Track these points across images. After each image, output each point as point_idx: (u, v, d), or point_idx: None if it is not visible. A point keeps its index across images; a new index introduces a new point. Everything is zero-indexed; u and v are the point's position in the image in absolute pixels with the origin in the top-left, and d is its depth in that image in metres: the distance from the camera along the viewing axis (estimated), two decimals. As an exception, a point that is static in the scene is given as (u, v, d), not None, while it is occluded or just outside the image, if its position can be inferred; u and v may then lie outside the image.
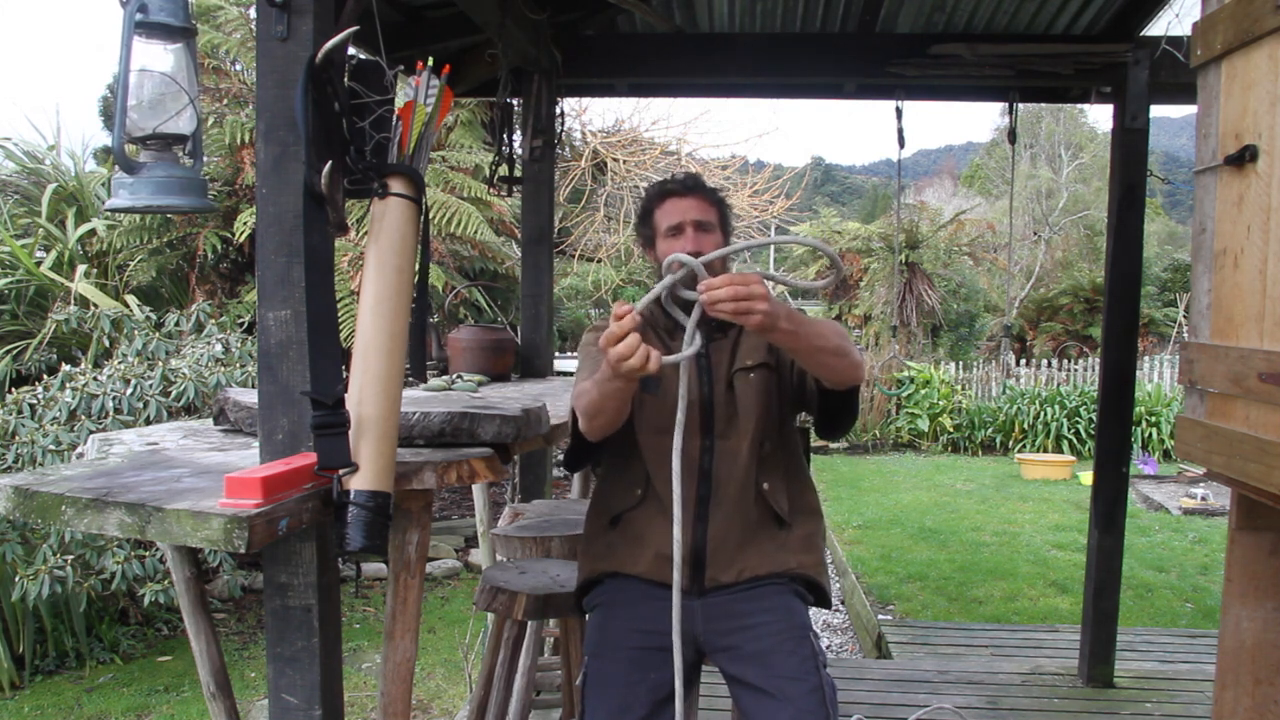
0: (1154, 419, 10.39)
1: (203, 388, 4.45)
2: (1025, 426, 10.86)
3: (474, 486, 3.76)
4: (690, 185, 1.91)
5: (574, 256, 10.89)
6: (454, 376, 2.76)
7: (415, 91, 1.55)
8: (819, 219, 18.77)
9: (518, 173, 3.45)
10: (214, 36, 6.84)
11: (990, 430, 11.06)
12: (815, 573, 1.89)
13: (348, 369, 1.47)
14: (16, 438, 4.19)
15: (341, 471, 1.38)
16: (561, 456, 2.01)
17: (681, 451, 1.78)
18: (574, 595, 2.02)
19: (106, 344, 5.20)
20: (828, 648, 4.91)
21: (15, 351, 5.81)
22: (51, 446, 4.06)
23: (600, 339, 1.51)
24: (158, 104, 1.53)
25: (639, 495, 1.86)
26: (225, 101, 7.13)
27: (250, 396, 1.95)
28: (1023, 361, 13.51)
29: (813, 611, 1.92)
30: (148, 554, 3.94)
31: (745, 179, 11.33)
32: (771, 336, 1.55)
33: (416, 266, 1.55)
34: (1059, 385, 11.56)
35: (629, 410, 1.74)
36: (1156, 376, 11.81)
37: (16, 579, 3.79)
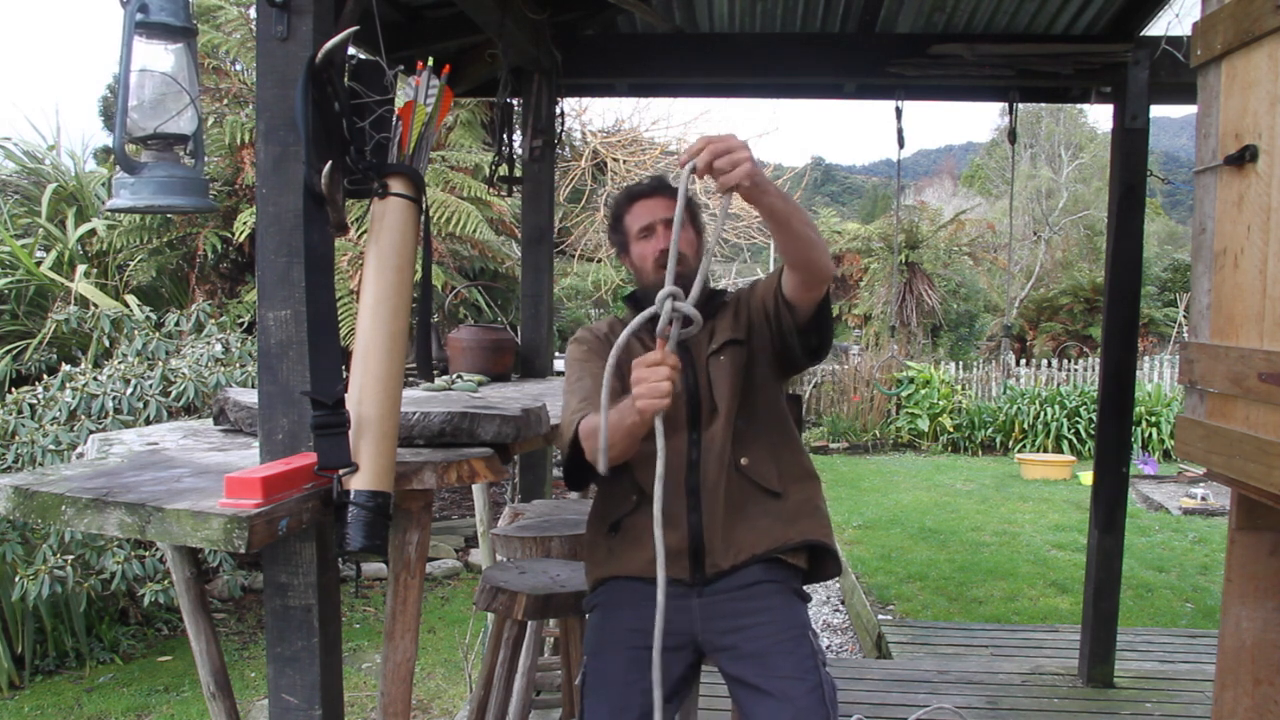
0: (1154, 419, 10.39)
1: (203, 388, 4.45)
2: (1025, 426, 10.86)
3: (474, 486, 3.76)
4: (656, 186, 1.93)
5: (574, 256, 10.90)
6: (454, 376, 2.76)
7: (415, 91, 1.55)
8: (819, 219, 18.78)
9: (518, 173, 3.45)
10: (214, 36, 6.84)
11: (990, 430, 11.06)
12: (820, 536, 1.87)
13: (348, 369, 1.47)
14: (16, 438, 4.18)
15: (341, 471, 1.38)
16: (560, 457, 2.00)
17: (669, 449, 1.80)
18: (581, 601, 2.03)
19: (106, 344, 5.19)
20: (828, 648, 4.91)
21: (15, 351, 5.81)
22: (51, 446, 4.06)
23: (641, 381, 1.48)
24: (159, 104, 1.53)
25: (634, 501, 1.88)
26: (225, 101, 7.13)
27: (250, 396, 1.95)
28: (1023, 361, 13.51)
29: (813, 605, 1.92)
30: (148, 554, 3.94)
31: (745, 179, 11.31)
32: (760, 198, 1.50)
33: (418, 266, 1.55)
34: (1059, 385, 11.56)
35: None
36: (1156, 376, 11.81)
37: (16, 579, 3.79)
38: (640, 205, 1.92)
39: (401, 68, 1.71)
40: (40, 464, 4.00)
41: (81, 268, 6.27)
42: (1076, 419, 10.65)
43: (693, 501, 1.82)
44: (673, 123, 14.51)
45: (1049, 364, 12.41)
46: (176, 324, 5.10)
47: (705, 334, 1.90)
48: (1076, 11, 3.33)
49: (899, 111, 3.62)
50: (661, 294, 1.43)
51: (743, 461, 1.84)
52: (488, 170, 6.86)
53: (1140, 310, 3.70)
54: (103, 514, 1.31)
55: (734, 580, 1.81)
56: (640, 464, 1.86)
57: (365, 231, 1.77)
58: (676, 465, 1.82)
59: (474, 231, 6.83)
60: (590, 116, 10.50)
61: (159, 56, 1.53)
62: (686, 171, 1.44)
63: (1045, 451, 10.39)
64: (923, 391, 11.36)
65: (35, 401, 4.36)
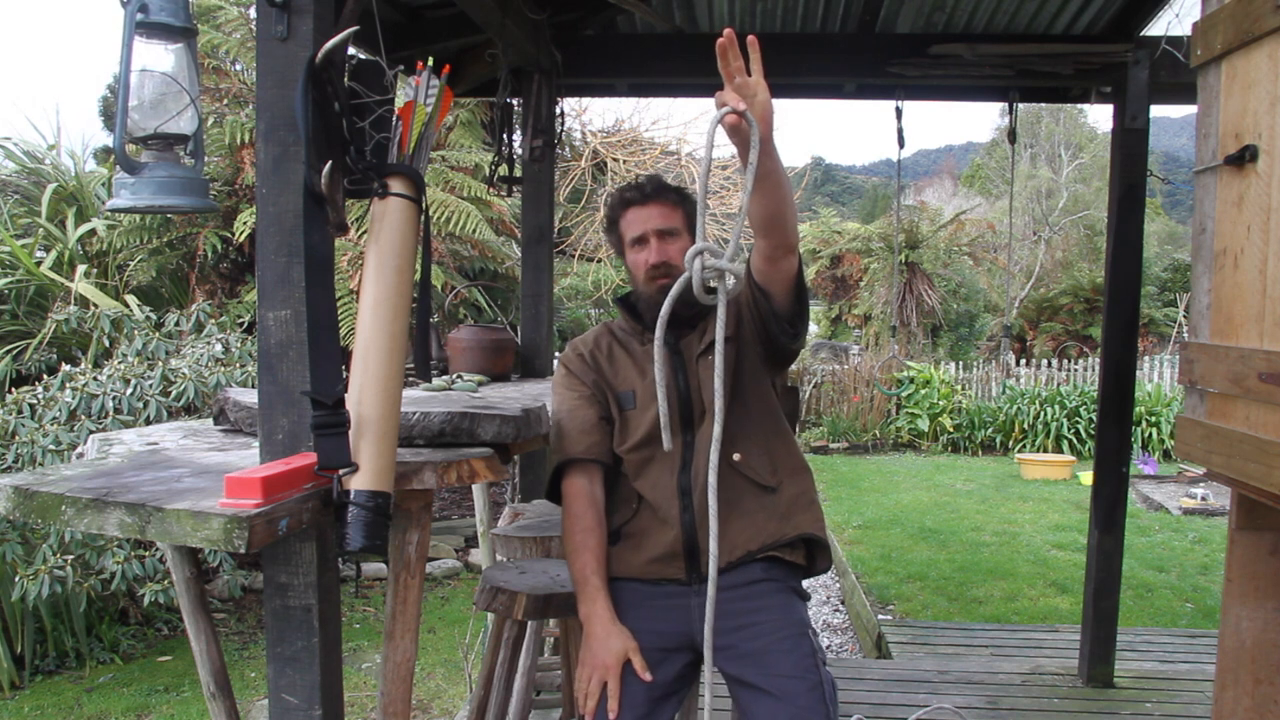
0: (1154, 419, 10.39)
1: (203, 388, 4.45)
2: (1025, 426, 10.86)
3: (474, 486, 3.76)
4: (649, 192, 1.89)
5: (574, 256, 10.90)
6: (454, 376, 2.76)
7: (415, 91, 1.55)
8: (819, 219, 18.79)
9: (518, 173, 3.45)
10: (214, 36, 6.84)
11: (990, 430, 11.05)
12: (816, 529, 1.87)
13: (348, 369, 1.47)
14: (16, 438, 4.18)
15: (341, 471, 1.38)
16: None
17: (660, 453, 1.81)
18: None
19: (106, 344, 5.19)
20: (828, 648, 4.91)
21: (15, 351, 5.81)
22: (51, 446, 4.06)
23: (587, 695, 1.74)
24: (159, 104, 1.53)
25: (634, 508, 1.88)
26: (225, 101, 7.13)
27: (250, 396, 1.95)
28: (1023, 361, 13.50)
29: (813, 605, 1.93)
30: (148, 554, 3.94)
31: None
32: (766, 145, 1.49)
33: (418, 266, 1.55)
34: (1059, 385, 11.55)
35: None
36: (1156, 376, 11.81)
37: (16, 579, 3.79)
38: (633, 213, 1.89)
39: (401, 68, 1.71)
40: (40, 464, 4.00)
41: (81, 268, 6.27)
42: (1076, 419, 10.65)
43: (685, 501, 1.83)
44: (673, 123, 14.57)
45: (1049, 364, 12.41)
46: (176, 324, 5.10)
47: (697, 334, 1.91)
48: (1076, 11, 3.33)
49: (899, 111, 3.63)
50: (690, 252, 1.36)
51: (735, 457, 1.84)
52: (488, 170, 6.86)
53: (1140, 310, 3.70)
54: (103, 514, 1.31)
55: (733, 579, 1.81)
56: (634, 470, 1.87)
57: (365, 231, 1.77)
58: (669, 468, 1.83)
59: (474, 231, 6.83)
60: (590, 116, 10.52)
61: (159, 57, 1.53)
62: (714, 119, 1.43)
63: (1045, 451, 10.38)
64: (923, 391, 11.35)
65: (35, 401, 4.36)
